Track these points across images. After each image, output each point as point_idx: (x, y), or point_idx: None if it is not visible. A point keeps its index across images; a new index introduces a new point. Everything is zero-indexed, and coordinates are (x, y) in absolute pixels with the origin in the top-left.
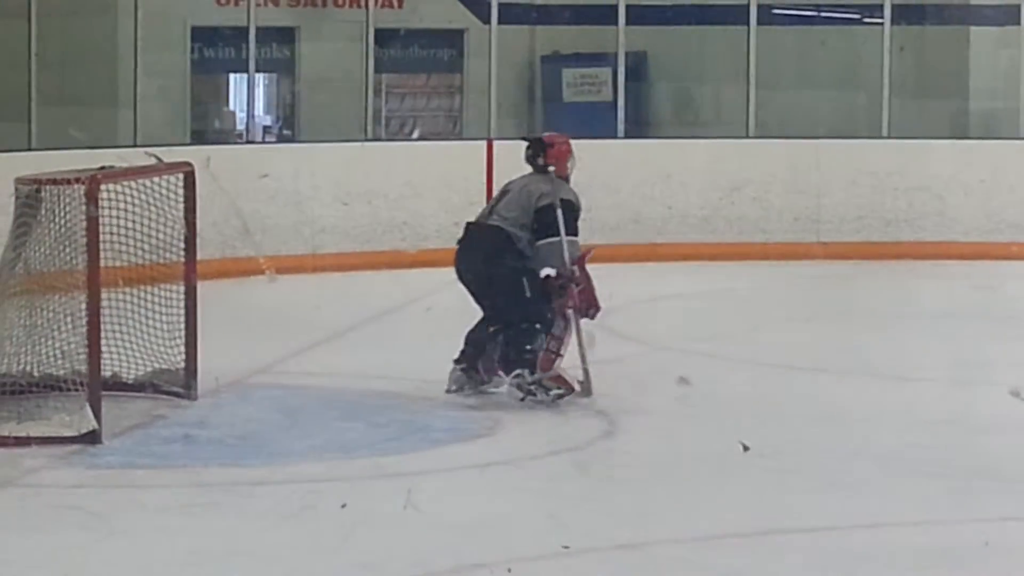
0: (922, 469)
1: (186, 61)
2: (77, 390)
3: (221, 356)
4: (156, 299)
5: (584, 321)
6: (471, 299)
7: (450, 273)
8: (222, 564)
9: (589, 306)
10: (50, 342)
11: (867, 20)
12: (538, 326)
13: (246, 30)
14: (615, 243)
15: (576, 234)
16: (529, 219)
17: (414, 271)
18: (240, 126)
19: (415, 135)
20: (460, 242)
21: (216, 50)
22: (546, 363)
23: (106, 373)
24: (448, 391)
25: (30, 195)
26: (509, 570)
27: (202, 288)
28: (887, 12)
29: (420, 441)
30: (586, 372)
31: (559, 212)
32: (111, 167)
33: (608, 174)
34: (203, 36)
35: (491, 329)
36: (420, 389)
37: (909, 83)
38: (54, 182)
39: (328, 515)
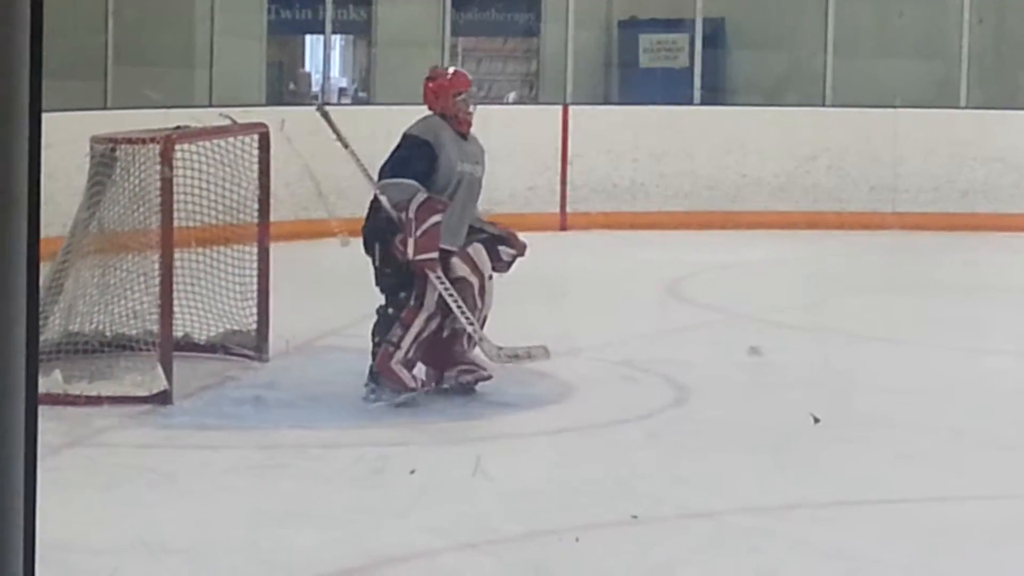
0: (996, 442)
1: (263, 22)
2: (149, 350)
3: (293, 318)
4: (229, 260)
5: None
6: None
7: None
8: (290, 526)
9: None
10: (123, 302)
11: None
12: (391, 310)
13: None
14: (689, 210)
15: (409, 175)
16: None
17: None
18: (316, 88)
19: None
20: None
21: (293, 11)
22: (382, 360)
23: (178, 334)
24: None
25: (105, 154)
26: (577, 539)
27: (275, 250)
28: None
29: (491, 407)
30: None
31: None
32: (186, 127)
33: (683, 141)
34: None
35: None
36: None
37: (988, 53)
38: (129, 142)
39: (397, 479)
